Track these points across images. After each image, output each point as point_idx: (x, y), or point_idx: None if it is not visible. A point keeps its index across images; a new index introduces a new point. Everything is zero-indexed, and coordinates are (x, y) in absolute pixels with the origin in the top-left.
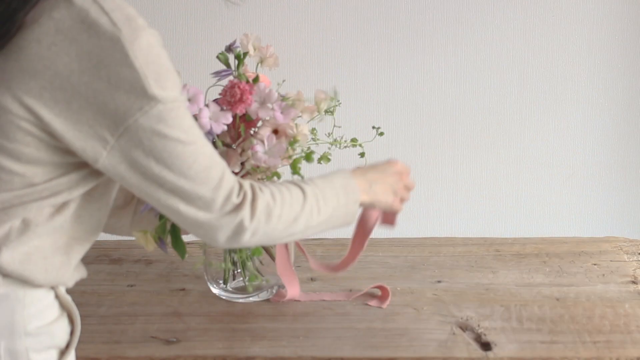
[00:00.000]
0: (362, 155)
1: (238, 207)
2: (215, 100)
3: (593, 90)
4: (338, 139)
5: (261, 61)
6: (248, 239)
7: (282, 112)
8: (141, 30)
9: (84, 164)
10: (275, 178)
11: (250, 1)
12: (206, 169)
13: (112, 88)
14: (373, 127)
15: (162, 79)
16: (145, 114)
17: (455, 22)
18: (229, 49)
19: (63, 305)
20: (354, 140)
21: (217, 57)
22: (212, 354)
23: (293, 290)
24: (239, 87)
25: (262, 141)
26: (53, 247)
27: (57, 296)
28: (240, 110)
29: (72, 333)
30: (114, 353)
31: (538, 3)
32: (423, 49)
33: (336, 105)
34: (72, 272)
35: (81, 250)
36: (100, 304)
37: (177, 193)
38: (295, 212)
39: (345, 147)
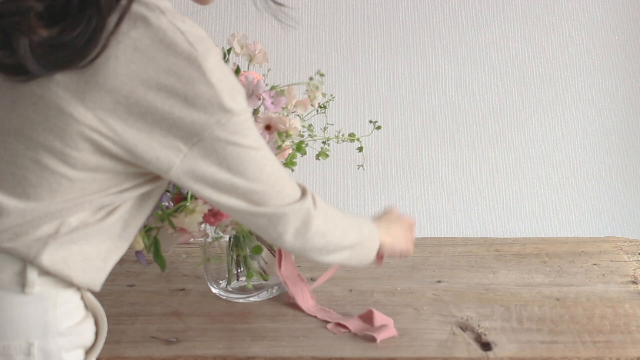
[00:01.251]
0: (360, 149)
1: (302, 197)
2: None
3: (593, 90)
4: (336, 134)
5: (250, 59)
6: (314, 233)
7: (272, 103)
8: (212, 49)
9: (142, 174)
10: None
11: None
12: (275, 172)
13: (189, 105)
14: (370, 121)
15: (234, 93)
16: (221, 126)
17: (455, 21)
18: None
19: (88, 306)
20: (351, 135)
21: None
22: (212, 354)
23: (304, 302)
24: None
25: None
26: (95, 250)
27: (82, 297)
28: None
29: (96, 333)
30: (114, 353)
31: (538, 3)
32: (423, 49)
33: (329, 100)
34: (104, 278)
35: (117, 257)
36: (101, 304)
37: (249, 196)
38: (341, 221)
39: (342, 141)
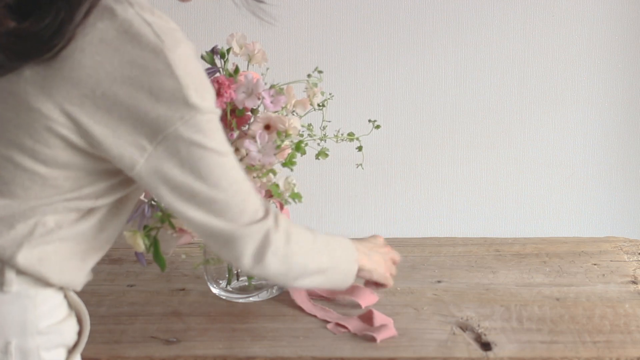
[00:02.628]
0: (359, 149)
1: (264, 218)
2: None
3: (593, 90)
4: (335, 133)
5: (249, 59)
6: (271, 257)
7: (271, 102)
8: (181, 42)
9: (114, 173)
10: (270, 175)
11: None
12: (237, 182)
13: (154, 98)
14: (369, 121)
15: (201, 90)
16: (185, 123)
17: (455, 21)
18: (213, 51)
19: (71, 305)
20: (350, 134)
21: (202, 57)
22: (212, 354)
23: (296, 294)
24: (217, 82)
25: (255, 139)
26: (72, 251)
27: (65, 296)
28: (220, 105)
29: (80, 333)
30: (114, 353)
31: (538, 3)
32: (423, 49)
33: (328, 99)
34: (84, 277)
35: (96, 258)
36: (100, 304)
37: (208, 205)
38: (309, 245)
39: (342, 140)
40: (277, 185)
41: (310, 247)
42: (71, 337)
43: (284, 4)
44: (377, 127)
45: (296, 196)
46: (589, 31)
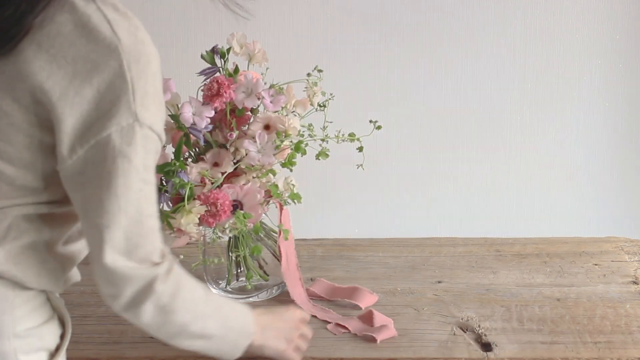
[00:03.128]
0: (360, 149)
1: (156, 264)
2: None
3: (594, 90)
4: (336, 133)
5: (250, 58)
6: (148, 305)
7: (271, 101)
8: (141, 44)
9: None
10: (270, 175)
11: None
12: (147, 217)
13: (99, 96)
14: (370, 121)
15: (147, 101)
16: (120, 130)
17: (456, 21)
18: (213, 50)
19: (54, 308)
20: (351, 135)
21: (202, 57)
22: None
23: (296, 294)
24: (216, 82)
25: (254, 139)
26: (49, 252)
27: (48, 298)
28: (219, 104)
29: (62, 336)
30: (114, 353)
31: (539, 3)
32: (424, 50)
33: (329, 99)
34: (64, 279)
35: (76, 260)
36: (100, 304)
37: (109, 228)
38: (197, 307)
39: (343, 141)
40: (277, 186)
41: (199, 309)
42: (53, 341)
43: (285, 4)
44: (379, 127)
45: (295, 197)
46: (589, 31)
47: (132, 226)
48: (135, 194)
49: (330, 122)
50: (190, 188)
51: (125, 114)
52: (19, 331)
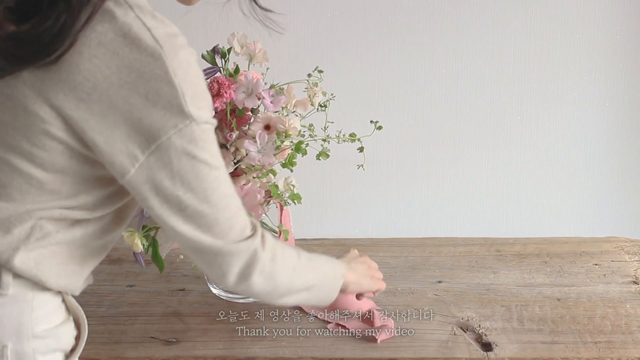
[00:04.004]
0: (360, 149)
1: (252, 236)
2: None
3: (595, 89)
4: (337, 134)
5: (250, 58)
6: (258, 276)
7: (271, 102)
8: (181, 48)
9: (111, 180)
10: (270, 175)
11: None
12: (227, 197)
13: (149, 104)
14: (371, 122)
15: (197, 99)
16: (179, 132)
17: (455, 21)
18: (214, 50)
19: (69, 310)
20: (352, 135)
21: (202, 57)
22: (212, 354)
23: None
24: (217, 82)
25: (255, 139)
26: (70, 255)
27: (63, 300)
28: (219, 105)
29: (77, 337)
30: (114, 353)
31: (539, 3)
32: (424, 50)
33: (330, 100)
34: (83, 282)
35: (95, 263)
36: (100, 304)
37: (196, 219)
38: (294, 262)
39: (344, 141)
40: (277, 186)
41: (296, 265)
42: (68, 342)
43: (286, 4)
44: (379, 128)
45: (296, 197)
46: (589, 31)
47: (218, 213)
48: (210, 184)
49: (332, 123)
50: None
51: (180, 117)
52: (37, 332)
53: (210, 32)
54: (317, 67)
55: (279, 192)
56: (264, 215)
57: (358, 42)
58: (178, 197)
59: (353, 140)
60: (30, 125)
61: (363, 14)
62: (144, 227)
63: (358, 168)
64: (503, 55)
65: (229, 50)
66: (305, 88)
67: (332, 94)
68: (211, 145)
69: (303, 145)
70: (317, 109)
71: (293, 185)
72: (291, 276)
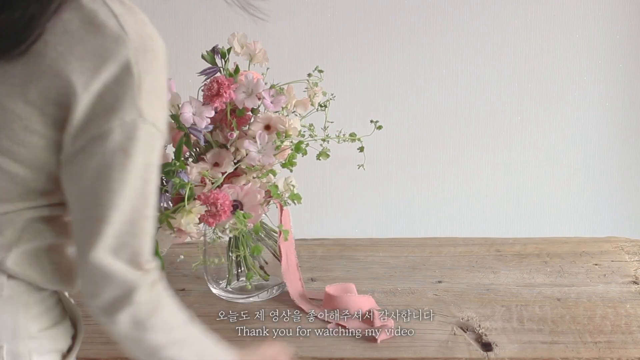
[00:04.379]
0: (361, 149)
1: (142, 272)
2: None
3: (595, 90)
4: (337, 134)
5: (251, 58)
6: (125, 315)
7: (271, 102)
8: (148, 39)
9: None
10: (270, 175)
11: None
12: (143, 218)
13: (105, 89)
14: (371, 121)
15: (152, 96)
16: (122, 124)
17: (456, 21)
18: (214, 50)
19: (66, 309)
20: (352, 135)
21: (202, 57)
22: None
23: (296, 294)
24: (217, 82)
25: (255, 139)
26: (63, 254)
27: (59, 299)
28: (219, 105)
29: (74, 337)
30: (114, 353)
31: (539, 3)
32: (424, 50)
33: (330, 100)
34: (77, 280)
35: None
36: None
37: (100, 222)
38: (174, 331)
39: (344, 141)
40: (277, 186)
41: (177, 334)
42: (65, 342)
43: (286, 4)
44: (379, 127)
45: (295, 197)
46: (589, 31)
47: (125, 224)
48: (133, 192)
49: (332, 122)
50: (190, 188)
51: (129, 109)
52: (33, 332)
53: (210, 32)
54: (317, 67)
55: (278, 192)
56: (263, 215)
57: (358, 42)
58: (95, 191)
59: (353, 140)
60: (10, 122)
61: (363, 14)
62: None
63: (358, 168)
64: (503, 55)
65: (229, 50)
66: (306, 88)
67: (332, 94)
68: (151, 154)
69: (303, 145)
70: (317, 109)
71: (293, 186)
72: (164, 342)
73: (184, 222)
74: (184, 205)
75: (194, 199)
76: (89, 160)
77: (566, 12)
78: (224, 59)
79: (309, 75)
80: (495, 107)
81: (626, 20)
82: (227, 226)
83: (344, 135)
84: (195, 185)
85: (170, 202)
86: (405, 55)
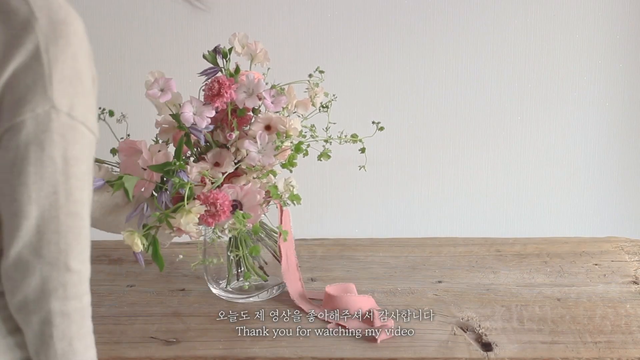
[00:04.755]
0: (362, 150)
1: (67, 272)
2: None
3: (595, 89)
4: (338, 134)
5: (252, 58)
6: (35, 317)
7: (272, 102)
8: (61, 24)
9: None
10: (270, 176)
11: None
12: (66, 215)
13: (15, 80)
14: (373, 122)
15: (65, 85)
16: (35, 116)
17: (456, 21)
18: (215, 50)
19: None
20: (354, 136)
21: (204, 56)
22: (212, 354)
23: (295, 295)
24: (217, 82)
25: (255, 139)
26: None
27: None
28: (220, 105)
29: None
30: (114, 353)
31: (539, 3)
32: (425, 50)
33: (332, 100)
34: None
35: None
36: (100, 304)
37: (18, 217)
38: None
39: (345, 142)
40: (276, 187)
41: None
42: (22, 353)
43: (286, 4)
44: (381, 129)
45: (295, 198)
46: (589, 31)
47: (46, 221)
48: (51, 187)
49: (334, 123)
50: (190, 188)
51: (40, 100)
52: None
53: (210, 32)
54: (318, 68)
55: (278, 192)
56: (263, 215)
57: (358, 42)
58: (11, 186)
59: (355, 141)
60: None
61: (363, 14)
62: (144, 226)
63: (360, 169)
64: (503, 55)
65: (230, 50)
66: (307, 89)
67: (334, 95)
68: (71, 146)
69: (303, 146)
70: (319, 109)
71: (292, 186)
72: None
73: (184, 221)
74: (184, 205)
75: (194, 198)
76: (5, 154)
77: (566, 12)
78: (226, 59)
79: (310, 76)
80: (495, 107)
81: (626, 20)
82: (225, 226)
83: (345, 136)
84: (195, 185)
85: (170, 202)
86: (405, 55)
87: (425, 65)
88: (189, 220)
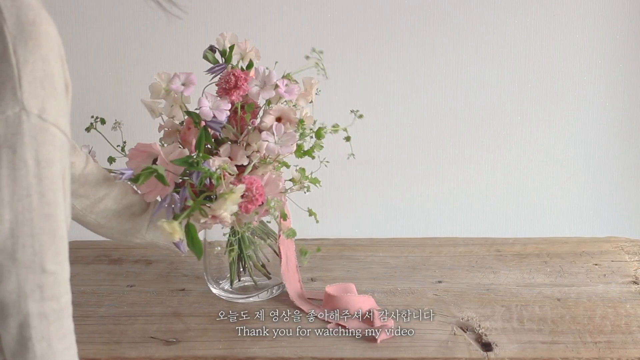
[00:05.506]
0: (347, 139)
1: (44, 275)
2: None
3: (595, 89)
4: (322, 125)
5: (242, 58)
6: (13, 321)
7: (285, 90)
8: (31, 25)
9: None
10: (284, 168)
11: None
12: (40, 217)
13: None
14: (351, 111)
15: (36, 86)
16: (5, 119)
17: (455, 21)
18: (212, 49)
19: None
20: (335, 126)
21: (204, 56)
22: (212, 354)
23: (295, 295)
24: (234, 74)
25: (271, 131)
26: None
27: None
28: (236, 98)
29: None
30: (114, 353)
31: (539, 2)
32: (424, 49)
33: (317, 93)
34: None
35: None
36: (100, 304)
37: None
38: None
39: (327, 133)
40: (304, 169)
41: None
42: None
43: (286, 4)
44: (360, 116)
45: (315, 181)
46: (589, 31)
47: (20, 224)
48: (24, 190)
49: (336, 125)
50: (217, 177)
51: (10, 102)
52: None
53: (210, 32)
54: (314, 48)
55: (298, 178)
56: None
57: (358, 42)
58: None
59: (336, 131)
60: None
61: (363, 14)
62: (175, 216)
63: (348, 158)
64: (503, 55)
65: (232, 47)
66: (316, 72)
67: (318, 89)
68: (43, 148)
69: (323, 132)
70: (316, 94)
71: (307, 176)
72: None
73: (230, 202)
74: (224, 193)
75: (230, 183)
76: None
77: (566, 12)
78: (225, 56)
79: (307, 57)
80: (495, 107)
81: (626, 20)
82: (230, 220)
83: (326, 127)
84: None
85: (191, 196)
86: (405, 55)
87: (425, 65)
88: (235, 201)
